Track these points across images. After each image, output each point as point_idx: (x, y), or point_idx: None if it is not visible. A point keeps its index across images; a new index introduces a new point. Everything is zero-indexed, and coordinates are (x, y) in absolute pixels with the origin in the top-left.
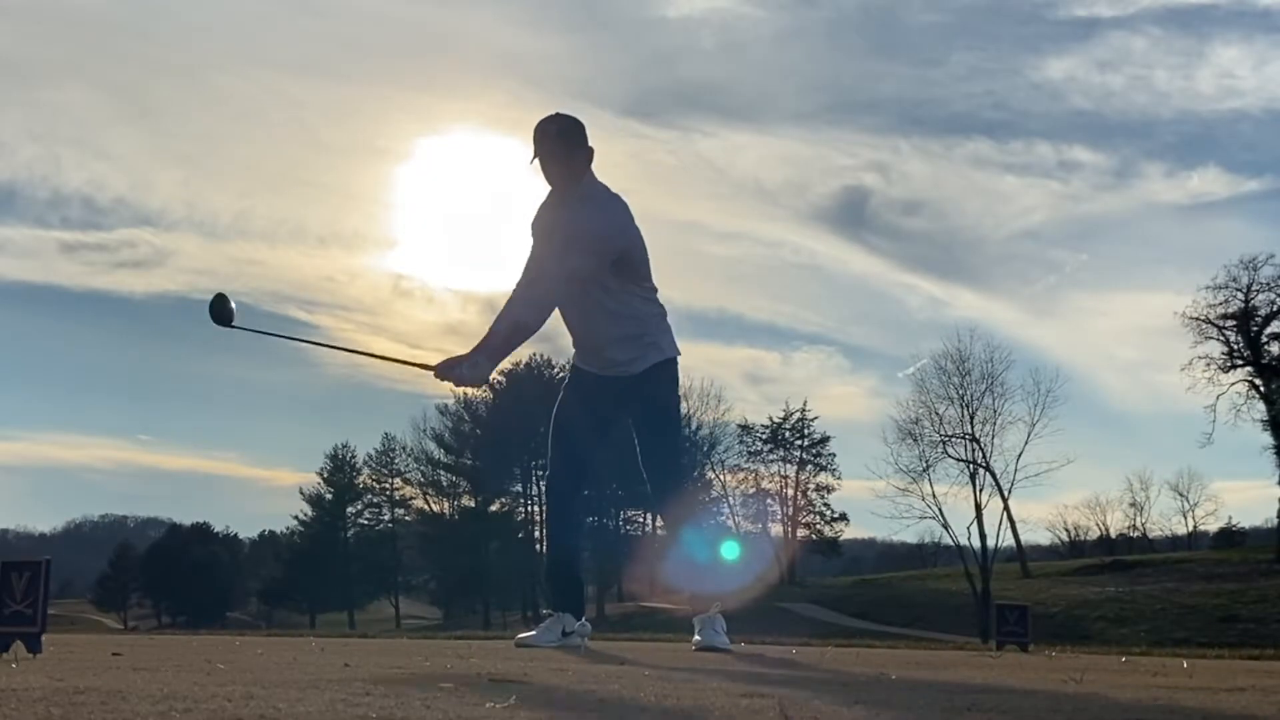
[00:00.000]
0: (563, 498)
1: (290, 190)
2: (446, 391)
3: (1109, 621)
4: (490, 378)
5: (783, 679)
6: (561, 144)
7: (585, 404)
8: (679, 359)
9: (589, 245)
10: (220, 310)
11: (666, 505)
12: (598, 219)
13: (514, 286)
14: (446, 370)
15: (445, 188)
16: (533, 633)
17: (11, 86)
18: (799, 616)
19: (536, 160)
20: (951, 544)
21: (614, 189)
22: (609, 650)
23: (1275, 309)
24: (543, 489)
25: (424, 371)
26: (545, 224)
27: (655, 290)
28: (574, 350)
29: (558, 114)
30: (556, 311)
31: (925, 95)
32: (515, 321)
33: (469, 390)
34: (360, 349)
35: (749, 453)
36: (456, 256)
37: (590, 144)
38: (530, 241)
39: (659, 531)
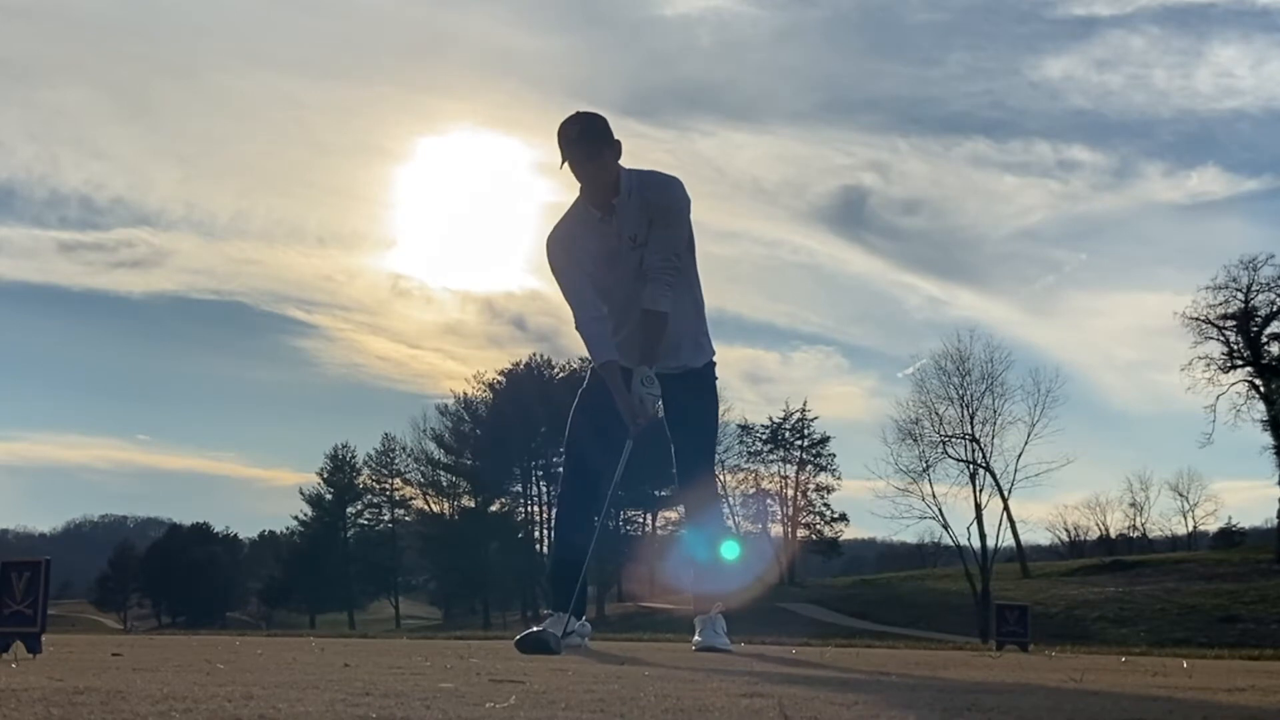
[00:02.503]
0: (575, 501)
1: (289, 190)
2: (448, 391)
3: (1109, 621)
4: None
5: (783, 679)
6: (589, 147)
7: (606, 413)
8: None
9: (680, 217)
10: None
11: (694, 501)
12: (672, 190)
13: (585, 311)
14: (638, 417)
15: (445, 188)
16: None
17: (10, 86)
18: (799, 616)
19: (566, 165)
20: (951, 544)
21: None
22: (609, 650)
23: (1275, 309)
24: (544, 489)
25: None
26: (582, 230)
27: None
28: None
29: (578, 114)
30: (566, 310)
31: (924, 94)
32: (658, 314)
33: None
34: None
35: (749, 453)
36: (455, 256)
37: (616, 138)
38: (560, 267)
39: (659, 531)
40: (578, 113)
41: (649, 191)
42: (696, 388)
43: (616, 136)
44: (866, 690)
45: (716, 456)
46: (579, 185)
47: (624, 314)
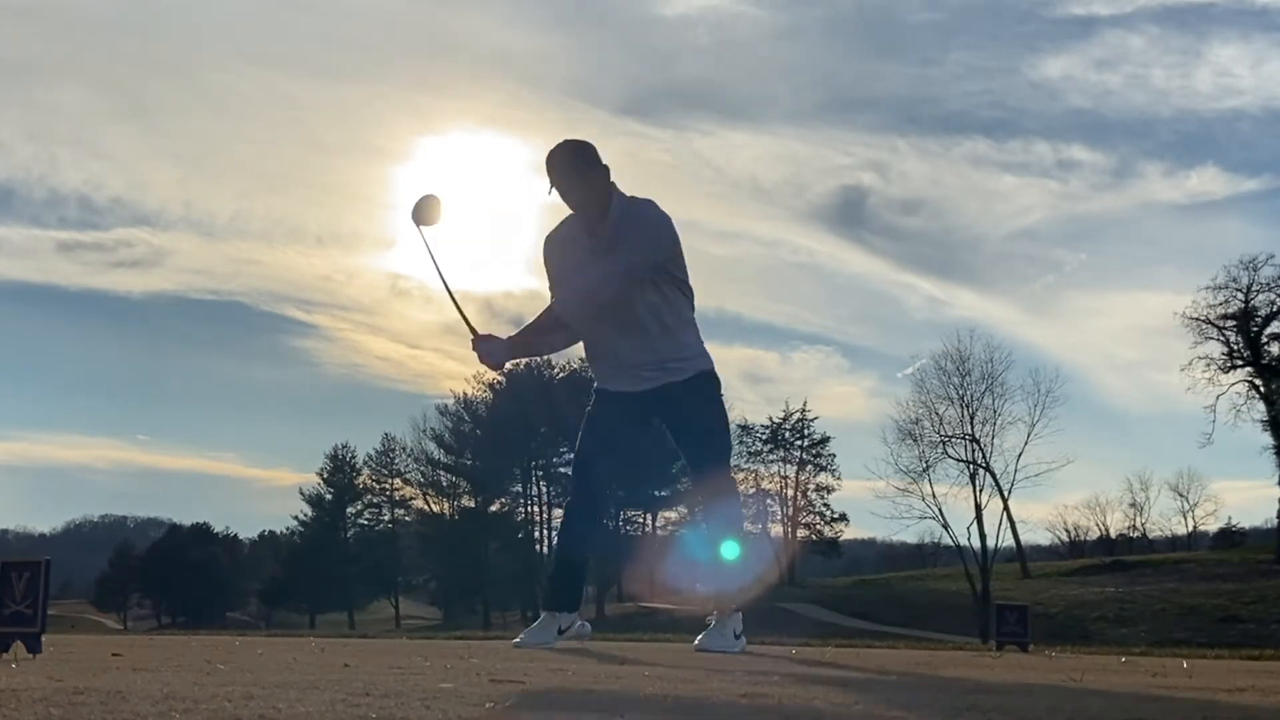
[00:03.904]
0: (581, 515)
1: (288, 190)
2: (448, 391)
3: (1109, 621)
4: (505, 365)
5: (783, 679)
6: (574, 171)
7: (613, 435)
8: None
9: (644, 243)
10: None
11: (714, 508)
12: (647, 217)
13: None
14: (478, 345)
15: (444, 187)
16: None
17: (9, 86)
18: (799, 616)
19: (554, 191)
20: (951, 544)
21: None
22: (609, 650)
23: (1275, 309)
24: (544, 489)
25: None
26: (573, 248)
27: (693, 295)
28: (601, 372)
29: (565, 142)
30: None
31: (923, 94)
32: (554, 316)
33: (490, 374)
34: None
35: (749, 453)
36: (454, 256)
37: (604, 162)
38: (550, 269)
39: (659, 532)
40: (565, 140)
41: (625, 212)
42: (698, 396)
43: (604, 162)
44: (866, 690)
45: None
46: (569, 209)
47: (608, 336)
